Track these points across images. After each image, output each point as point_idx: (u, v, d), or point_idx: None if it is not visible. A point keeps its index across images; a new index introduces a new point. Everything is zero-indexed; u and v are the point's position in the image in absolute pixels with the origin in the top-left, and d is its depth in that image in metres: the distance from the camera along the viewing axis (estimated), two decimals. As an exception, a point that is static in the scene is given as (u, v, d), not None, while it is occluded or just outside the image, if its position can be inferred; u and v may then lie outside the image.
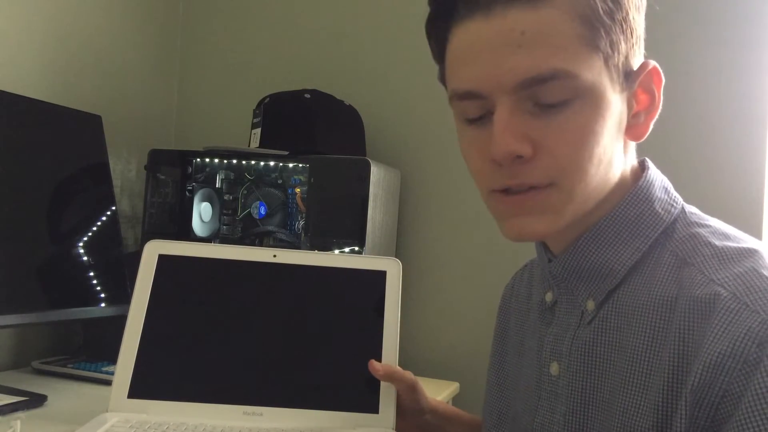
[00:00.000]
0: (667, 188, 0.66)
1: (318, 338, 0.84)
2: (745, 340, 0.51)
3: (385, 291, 0.86)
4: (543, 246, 0.69)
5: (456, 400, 1.36)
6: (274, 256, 0.87)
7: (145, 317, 0.82)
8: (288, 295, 0.86)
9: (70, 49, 1.37)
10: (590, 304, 0.64)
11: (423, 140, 1.49)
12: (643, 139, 0.63)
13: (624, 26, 0.58)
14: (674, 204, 0.64)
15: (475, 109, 0.60)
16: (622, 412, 0.57)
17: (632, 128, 0.62)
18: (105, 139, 1.26)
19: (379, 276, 0.87)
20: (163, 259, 0.85)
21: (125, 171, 1.52)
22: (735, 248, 0.58)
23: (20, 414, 0.92)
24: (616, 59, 0.58)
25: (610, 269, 0.63)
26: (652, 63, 0.62)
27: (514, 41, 0.56)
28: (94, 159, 1.24)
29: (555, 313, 0.68)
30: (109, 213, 1.23)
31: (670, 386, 0.54)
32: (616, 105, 0.59)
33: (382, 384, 0.80)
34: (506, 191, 0.60)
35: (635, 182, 0.65)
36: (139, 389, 0.79)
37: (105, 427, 0.73)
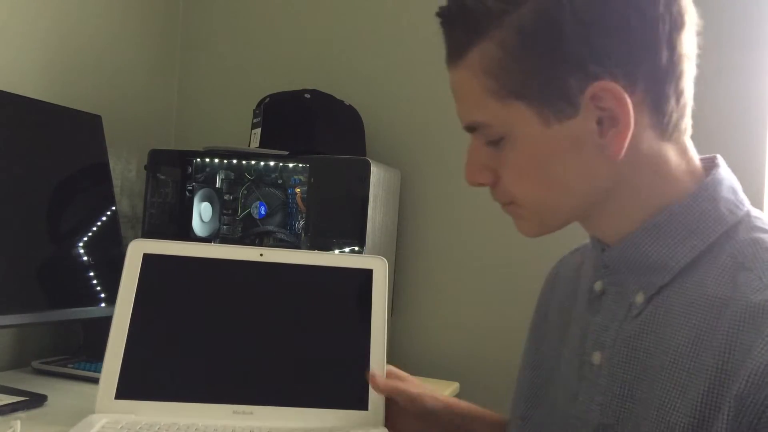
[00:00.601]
0: (735, 189, 0.64)
1: (306, 336, 0.85)
2: None
3: (372, 289, 0.86)
4: (596, 237, 0.70)
5: (456, 400, 1.36)
6: (261, 255, 0.87)
7: (131, 317, 0.81)
8: (275, 293, 0.86)
9: (70, 49, 1.37)
10: (639, 297, 0.63)
11: (423, 140, 1.49)
12: (619, 158, 0.60)
13: (542, 65, 0.59)
14: (740, 206, 0.63)
15: None
16: (659, 407, 0.57)
17: (605, 148, 0.60)
18: (105, 139, 1.26)
19: (366, 274, 0.87)
20: (147, 258, 0.84)
21: (125, 171, 1.52)
22: None
23: (20, 414, 0.92)
24: (539, 97, 0.60)
25: (663, 264, 0.62)
26: (605, 83, 0.58)
27: (454, 95, 0.66)
28: (94, 159, 1.24)
29: (602, 302, 0.68)
30: (109, 213, 1.23)
31: (712, 388, 0.54)
32: (557, 136, 0.60)
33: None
34: None
35: (693, 178, 0.64)
36: (127, 390, 0.78)
37: (96, 428, 0.72)
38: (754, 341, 0.52)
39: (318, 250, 1.30)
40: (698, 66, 0.69)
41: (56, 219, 1.14)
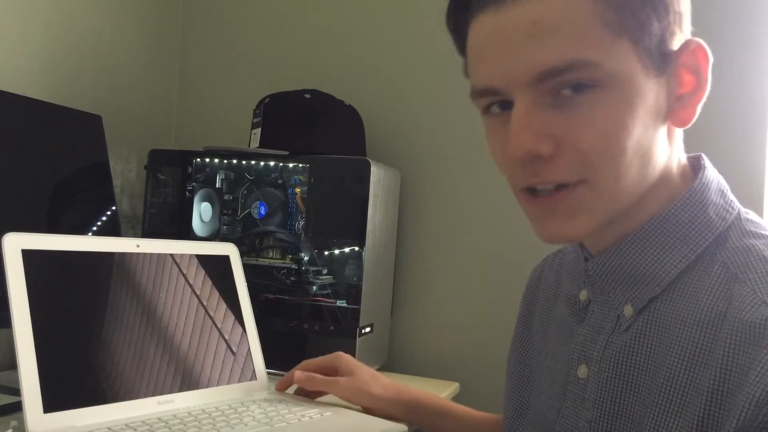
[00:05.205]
0: (723, 191, 0.61)
1: (196, 321, 0.92)
2: None
3: (233, 272, 0.99)
4: (579, 244, 0.66)
5: (456, 400, 1.35)
6: (138, 246, 0.89)
7: (32, 323, 0.76)
8: (158, 283, 0.90)
9: (70, 49, 1.37)
10: (628, 310, 0.60)
11: (423, 140, 1.48)
12: (689, 125, 0.59)
13: (656, 4, 0.55)
14: (730, 209, 0.60)
15: (496, 105, 0.58)
16: (653, 427, 0.54)
17: (676, 113, 0.58)
18: (105, 139, 1.26)
19: (225, 260, 0.99)
20: (27, 254, 0.78)
21: (125, 171, 1.52)
22: None
23: (20, 414, 0.92)
24: (648, 41, 0.55)
25: (653, 275, 0.59)
26: (696, 42, 0.57)
27: (526, 32, 0.53)
28: (94, 159, 1.24)
29: (588, 312, 0.64)
30: (109, 213, 1.23)
31: (711, 411, 0.51)
32: (650, 91, 0.56)
33: (255, 354, 0.96)
34: (533, 190, 0.58)
35: (685, 181, 0.61)
36: (54, 402, 0.75)
37: None
38: (750, 365, 0.49)
39: (318, 250, 1.30)
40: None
41: (56, 219, 1.13)
